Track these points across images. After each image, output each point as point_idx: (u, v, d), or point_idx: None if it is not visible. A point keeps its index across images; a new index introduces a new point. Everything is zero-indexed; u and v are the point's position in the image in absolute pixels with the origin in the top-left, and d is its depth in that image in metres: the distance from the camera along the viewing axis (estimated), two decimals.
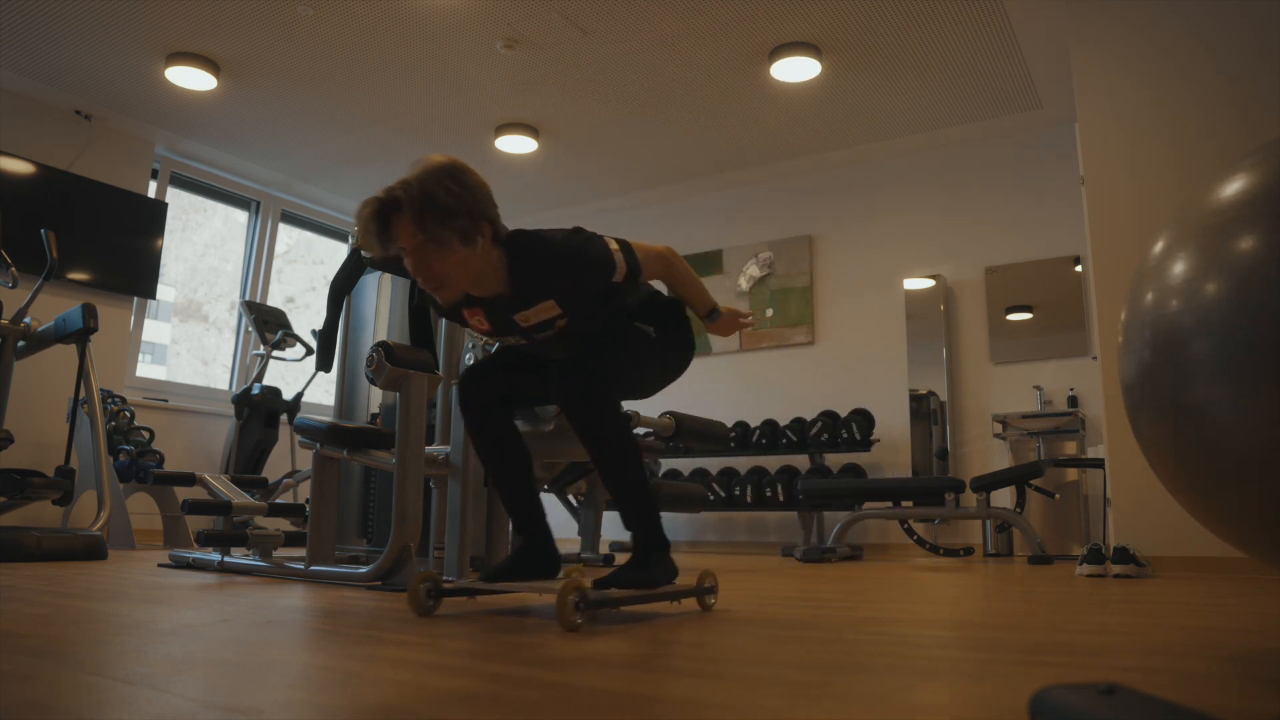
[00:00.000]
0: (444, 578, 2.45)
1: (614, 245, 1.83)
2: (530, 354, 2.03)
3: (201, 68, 4.93)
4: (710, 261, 6.77)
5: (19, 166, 5.21)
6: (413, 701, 0.90)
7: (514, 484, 1.96)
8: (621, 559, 4.59)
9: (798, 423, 5.79)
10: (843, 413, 6.03)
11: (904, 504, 5.26)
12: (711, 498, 5.80)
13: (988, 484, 4.56)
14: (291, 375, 7.20)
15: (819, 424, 5.63)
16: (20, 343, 4.26)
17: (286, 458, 6.33)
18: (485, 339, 2.59)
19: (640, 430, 6.34)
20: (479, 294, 1.81)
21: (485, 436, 1.95)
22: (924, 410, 5.67)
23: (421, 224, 1.66)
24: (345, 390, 3.64)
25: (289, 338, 5.62)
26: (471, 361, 2.79)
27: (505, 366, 1.99)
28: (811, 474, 5.62)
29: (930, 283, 5.84)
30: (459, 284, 1.74)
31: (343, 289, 3.28)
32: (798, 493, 5.13)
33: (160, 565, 3.22)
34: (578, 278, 1.78)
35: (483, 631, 1.49)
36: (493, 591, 1.87)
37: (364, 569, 2.48)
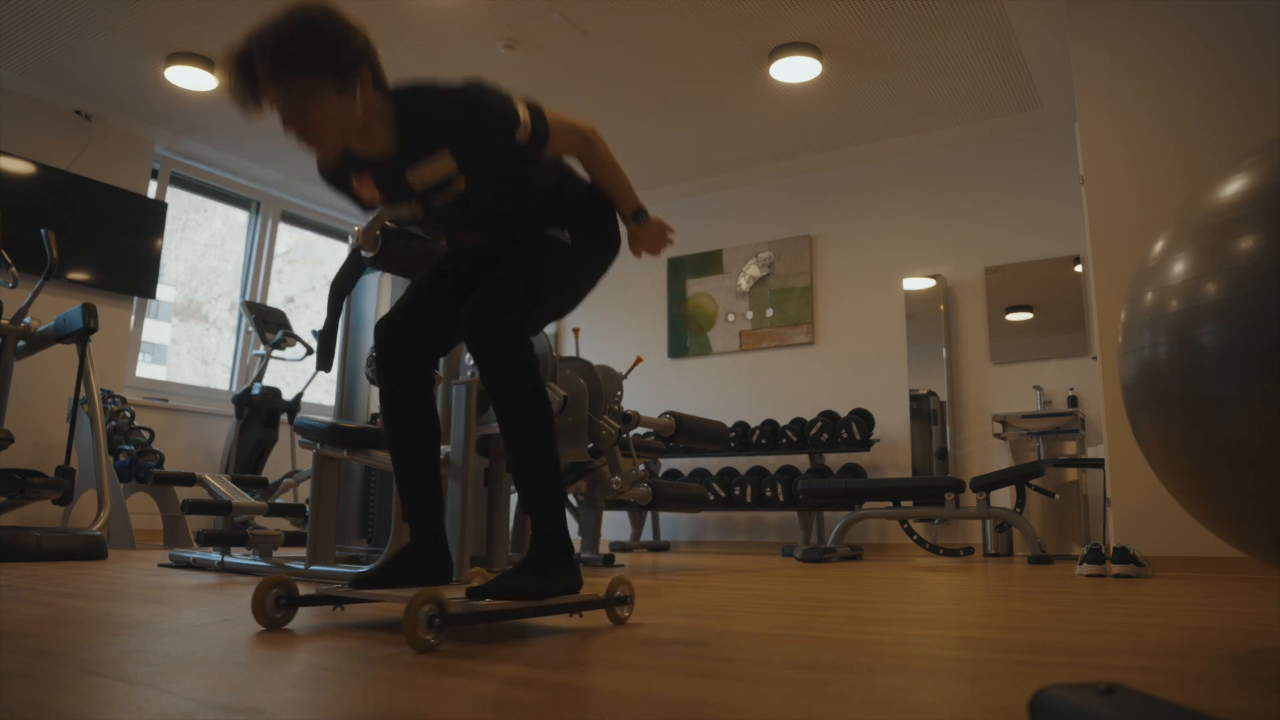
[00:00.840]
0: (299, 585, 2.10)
1: (520, 101, 1.60)
2: (446, 273, 1.78)
3: (201, 68, 4.93)
4: (710, 261, 6.78)
5: (19, 166, 5.21)
6: (413, 701, 0.90)
7: (418, 464, 1.69)
8: (623, 559, 4.59)
9: (798, 423, 5.79)
10: (843, 413, 6.03)
11: (904, 504, 5.26)
12: (711, 498, 5.80)
13: (988, 484, 4.56)
14: (291, 375, 7.20)
15: (819, 424, 5.63)
16: (20, 343, 4.26)
17: (286, 458, 6.33)
18: (377, 227, 2.28)
19: (640, 430, 6.35)
20: (364, 152, 1.58)
21: (399, 402, 1.69)
22: (924, 410, 5.67)
23: (280, 81, 1.43)
24: (345, 390, 3.64)
25: (289, 338, 5.62)
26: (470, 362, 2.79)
27: (426, 308, 1.73)
28: (811, 474, 5.62)
29: (930, 283, 5.84)
30: (337, 137, 1.50)
31: (343, 289, 3.28)
32: (798, 493, 5.13)
33: (160, 565, 3.22)
34: (473, 125, 1.55)
35: (482, 629, 1.49)
36: (362, 600, 1.56)
37: (364, 569, 2.48)
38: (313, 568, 2.64)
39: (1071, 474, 5.03)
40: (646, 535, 6.46)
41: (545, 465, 1.56)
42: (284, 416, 5.99)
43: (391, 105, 1.56)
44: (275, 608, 1.48)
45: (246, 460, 5.42)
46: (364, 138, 1.55)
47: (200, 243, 6.89)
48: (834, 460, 5.97)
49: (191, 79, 5.05)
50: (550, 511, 1.56)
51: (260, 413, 5.40)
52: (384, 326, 1.72)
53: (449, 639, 1.37)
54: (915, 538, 4.90)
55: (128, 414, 5.07)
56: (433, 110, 1.55)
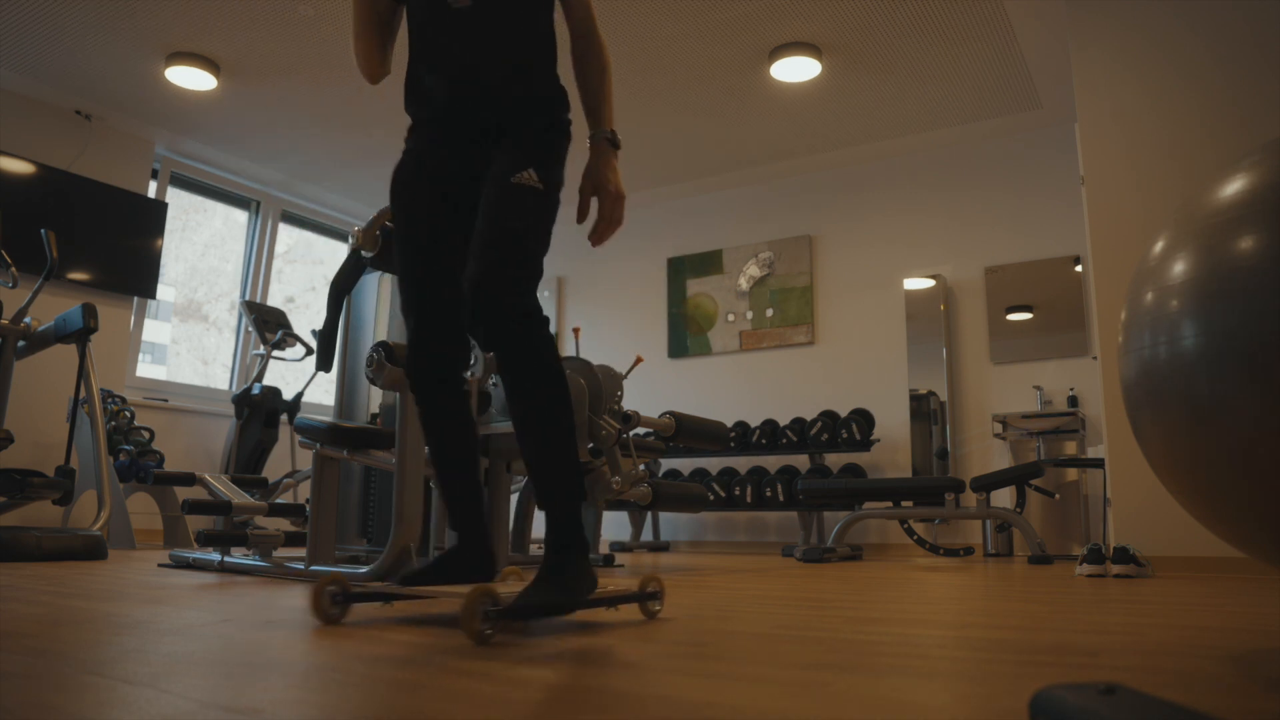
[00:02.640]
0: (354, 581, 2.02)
1: None
2: (435, 243, 1.67)
3: (201, 68, 4.93)
4: (710, 261, 6.78)
5: (19, 166, 5.21)
6: (413, 701, 0.90)
7: (457, 468, 1.69)
8: (623, 559, 4.59)
9: (798, 423, 5.79)
10: (843, 413, 6.03)
11: (904, 504, 5.26)
12: (711, 498, 5.80)
13: (988, 484, 4.55)
14: (291, 375, 7.20)
15: (819, 424, 5.63)
16: (20, 343, 4.26)
17: (286, 458, 6.33)
18: None
19: (640, 430, 6.35)
20: None
21: (434, 414, 1.69)
22: (924, 410, 5.67)
23: None
24: (345, 390, 3.64)
25: (289, 338, 5.62)
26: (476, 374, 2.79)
27: (442, 312, 1.65)
28: (811, 474, 5.62)
29: (930, 283, 5.84)
30: None
31: (343, 289, 3.28)
32: (798, 493, 5.13)
33: (160, 565, 3.22)
34: None
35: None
36: (410, 596, 1.63)
37: (364, 569, 2.48)
38: (313, 568, 2.64)
39: (1071, 474, 5.03)
40: (646, 535, 6.46)
41: (569, 457, 1.49)
42: (284, 416, 5.99)
43: None
44: (332, 604, 1.55)
45: (246, 460, 5.42)
46: None
47: (200, 243, 6.89)
48: (834, 460, 5.97)
49: (191, 79, 5.05)
50: (573, 509, 1.49)
51: (260, 413, 5.40)
52: (416, 356, 1.66)
53: (500, 631, 1.45)
54: (915, 538, 4.90)
55: (128, 414, 5.07)
56: None
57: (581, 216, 1.64)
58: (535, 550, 5.02)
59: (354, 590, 1.58)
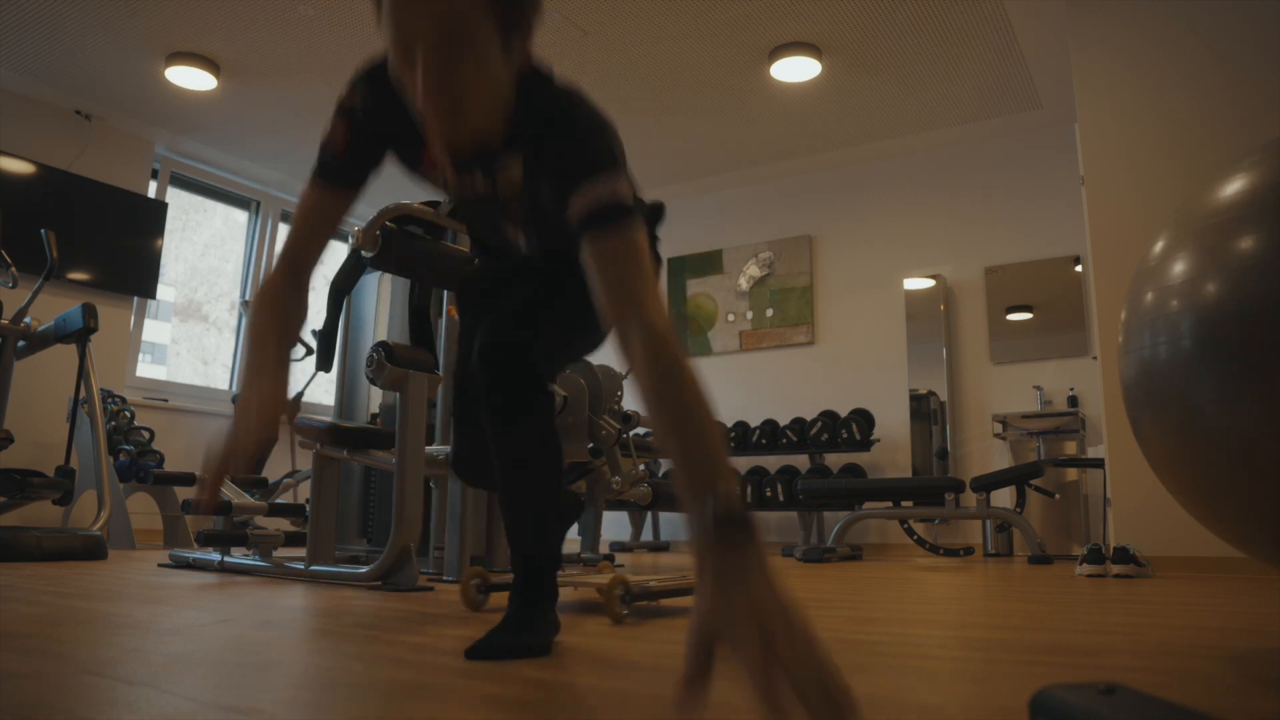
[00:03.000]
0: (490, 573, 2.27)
1: (627, 189, 1.11)
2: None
3: (201, 68, 4.93)
4: (710, 261, 6.77)
5: (19, 166, 5.21)
6: (412, 701, 0.90)
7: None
8: (623, 559, 4.59)
9: (798, 423, 5.79)
10: (843, 413, 6.03)
11: (904, 504, 5.26)
12: None
13: (988, 484, 4.55)
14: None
15: (819, 424, 5.63)
16: (20, 343, 4.26)
17: (286, 458, 6.34)
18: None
19: (640, 430, 6.35)
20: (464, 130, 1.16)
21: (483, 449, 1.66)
22: (924, 410, 5.67)
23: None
24: (345, 390, 3.64)
25: None
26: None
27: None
28: (811, 474, 5.62)
29: (930, 283, 5.84)
30: (476, 110, 1.10)
31: (343, 289, 3.28)
32: (798, 493, 5.13)
33: (160, 565, 3.22)
34: (569, 145, 1.14)
35: (484, 630, 1.49)
36: None
37: (364, 569, 2.48)
38: (313, 568, 2.64)
39: (1071, 474, 5.03)
40: (646, 535, 6.46)
41: (554, 513, 1.41)
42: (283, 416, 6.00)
43: (514, 84, 1.18)
44: (476, 593, 1.85)
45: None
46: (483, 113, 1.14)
47: (200, 243, 6.89)
48: (834, 460, 5.97)
49: (191, 79, 5.05)
50: (554, 560, 1.41)
51: None
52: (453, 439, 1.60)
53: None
54: (915, 538, 4.90)
55: (128, 414, 5.07)
56: (542, 104, 1.19)
57: (692, 674, 0.68)
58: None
59: (493, 581, 1.87)
